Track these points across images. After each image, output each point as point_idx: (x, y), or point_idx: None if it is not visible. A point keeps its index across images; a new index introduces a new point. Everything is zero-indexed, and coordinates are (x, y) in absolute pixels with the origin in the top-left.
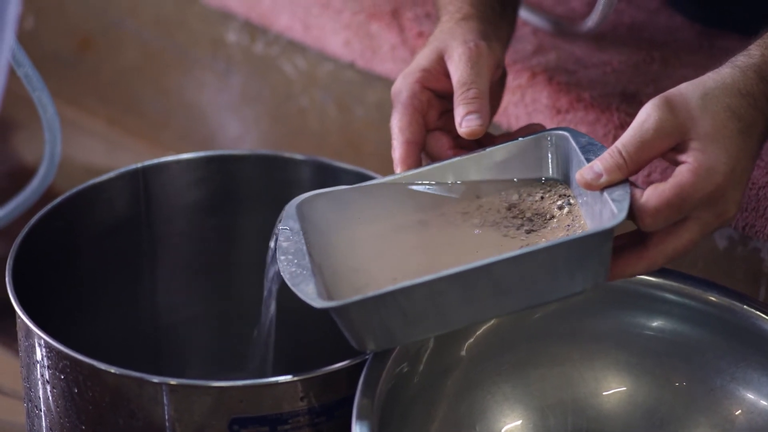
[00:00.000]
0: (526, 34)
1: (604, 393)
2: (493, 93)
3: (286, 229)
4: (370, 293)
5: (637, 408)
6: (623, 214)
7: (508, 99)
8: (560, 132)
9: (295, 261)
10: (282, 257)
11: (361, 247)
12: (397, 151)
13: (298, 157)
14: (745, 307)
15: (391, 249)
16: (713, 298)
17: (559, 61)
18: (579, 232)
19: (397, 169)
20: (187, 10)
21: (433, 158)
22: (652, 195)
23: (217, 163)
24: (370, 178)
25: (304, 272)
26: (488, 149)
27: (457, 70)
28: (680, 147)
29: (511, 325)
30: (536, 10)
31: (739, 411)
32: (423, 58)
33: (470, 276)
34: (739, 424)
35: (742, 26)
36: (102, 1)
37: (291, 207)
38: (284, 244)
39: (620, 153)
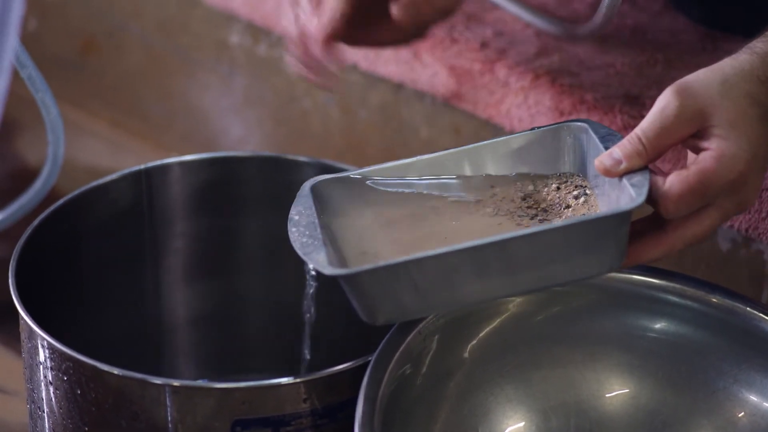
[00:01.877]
0: (529, 36)
1: (607, 395)
2: None
3: (298, 205)
4: (382, 263)
5: (640, 410)
6: (642, 198)
7: (511, 101)
8: (579, 123)
9: (307, 233)
10: (293, 229)
11: (373, 232)
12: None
13: (301, 158)
14: (747, 309)
15: (402, 234)
16: (716, 300)
17: (562, 63)
18: (596, 212)
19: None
20: (190, 12)
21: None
22: (675, 181)
23: (220, 165)
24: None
25: (316, 242)
26: (506, 137)
27: None
28: (701, 134)
29: (513, 327)
30: (539, 13)
31: (742, 413)
32: None
33: (484, 251)
34: (742, 427)
35: (746, 28)
36: (105, 4)
37: (305, 188)
38: (296, 218)
39: (640, 139)
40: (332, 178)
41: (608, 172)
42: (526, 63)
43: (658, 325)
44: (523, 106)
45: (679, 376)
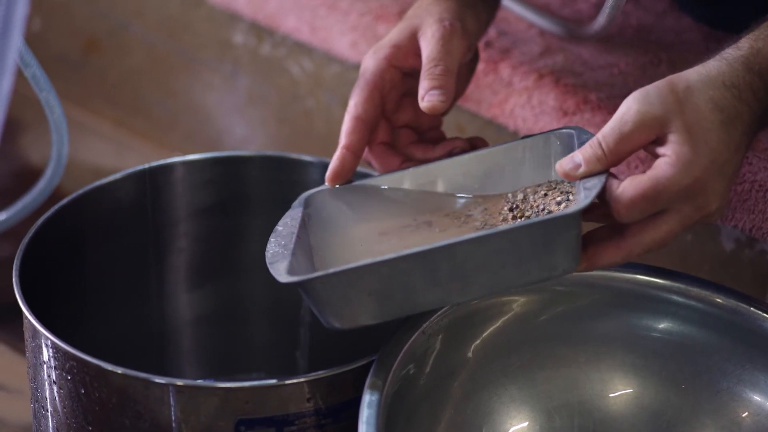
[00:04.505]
0: (533, 36)
1: (611, 395)
2: (462, 76)
3: (287, 216)
4: (332, 269)
5: (644, 410)
6: (587, 202)
7: (515, 101)
8: (567, 130)
9: (282, 243)
10: (272, 239)
11: (360, 244)
12: (345, 125)
13: (305, 158)
14: (751, 309)
15: (387, 247)
16: (720, 301)
17: (566, 63)
18: (540, 216)
19: (342, 140)
20: (194, 12)
21: (400, 152)
22: (628, 186)
23: (223, 165)
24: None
25: (285, 252)
26: (497, 146)
27: (428, 46)
28: (660, 140)
29: (517, 327)
30: (543, 13)
31: (746, 413)
32: (396, 33)
33: (433, 256)
34: (746, 427)
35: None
36: (109, 4)
37: (300, 199)
38: (279, 228)
39: (600, 144)
40: (328, 190)
41: (567, 176)
42: (530, 63)
43: (662, 325)
44: (526, 105)
45: (682, 376)
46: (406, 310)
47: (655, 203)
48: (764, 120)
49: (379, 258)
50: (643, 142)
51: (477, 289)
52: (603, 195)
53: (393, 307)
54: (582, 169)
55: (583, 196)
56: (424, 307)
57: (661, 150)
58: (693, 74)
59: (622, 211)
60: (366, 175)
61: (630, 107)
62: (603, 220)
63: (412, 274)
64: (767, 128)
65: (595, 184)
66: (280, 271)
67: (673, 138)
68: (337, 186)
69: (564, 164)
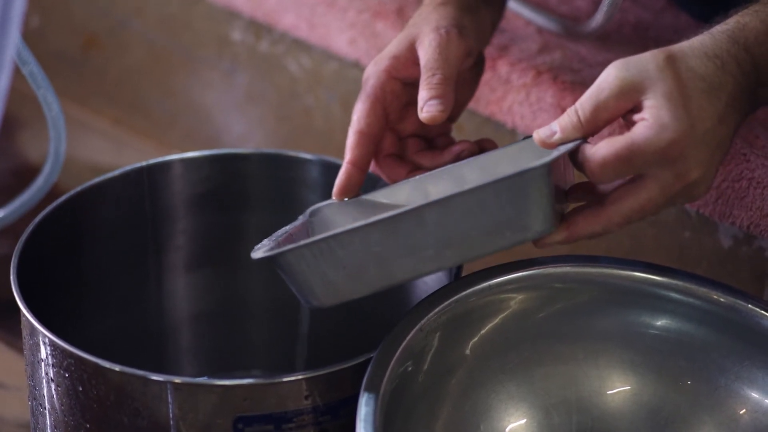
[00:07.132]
0: (531, 34)
1: (609, 392)
2: (465, 81)
3: (287, 225)
4: (303, 241)
5: (642, 407)
6: (554, 155)
7: (512, 98)
8: None
9: (273, 238)
10: (265, 240)
11: None
12: (348, 140)
13: (303, 155)
14: (749, 306)
15: None
16: (718, 297)
17: (564, 60)
18: (505, 173)
19: (347, 155)
20: (192, 9)
21: (408, 161)
22: (602, 146)
23: (222, 162)
24: (374, 177)
25: (270, 243)
26: (500, 149)
27: (425, 55)
28: (637, 108)
29: (515, 324)
30: (541, 10)
31: (744, 410)
32: (395, 44)
33: (401, 221)
34: (744, 424)
35: None
36: (107, 1)
37: (307, 211)
38: (277, 232)
39: (576, 111)
40: (335, 203)
41: (543, 143)
42: (528, 60)
43: (659, 322)
44: (524, 103)
45: (680, 373)
46: (383, 282)
47: (630, 164)
48: (755, 99)
49: (348, 227)
50: (621, 110)
51: (451, 256)
52: (577, 159)
53: (368, 280)
54: (557, 136)
55: (554, 153)
56: (399, 278)
57: (637, 116)
58: (676, 47)
59: (596, 169)
60: (375, 181)
61: (608, 74)
62: (584, 197)
63: (382, 242)
64: (765, 115)
65: (567, 147)
66: (256, 252)
67: (649, 103)
68: (345, 200)
69: (541, 132)
